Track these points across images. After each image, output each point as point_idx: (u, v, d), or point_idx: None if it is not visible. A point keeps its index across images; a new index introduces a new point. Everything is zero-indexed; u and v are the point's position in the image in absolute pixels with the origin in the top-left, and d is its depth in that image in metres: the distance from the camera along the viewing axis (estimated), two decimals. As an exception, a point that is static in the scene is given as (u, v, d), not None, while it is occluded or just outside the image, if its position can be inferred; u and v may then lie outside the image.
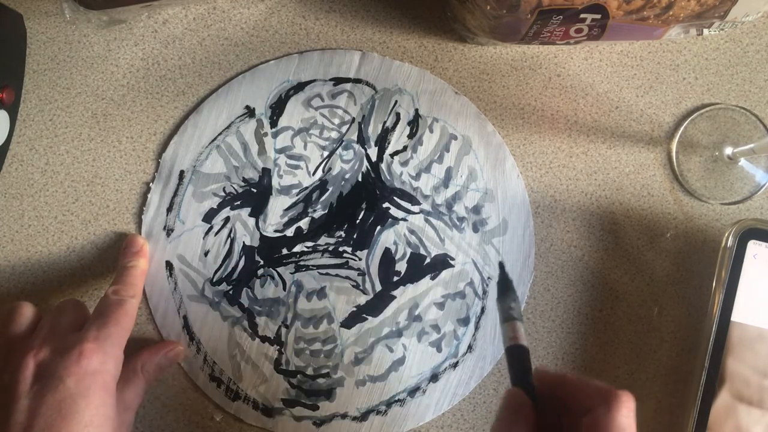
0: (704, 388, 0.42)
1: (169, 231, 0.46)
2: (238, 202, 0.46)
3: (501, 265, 0.38)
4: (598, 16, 0.38)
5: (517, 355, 0.34)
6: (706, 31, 0.41)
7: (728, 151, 0.46)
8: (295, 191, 0.46)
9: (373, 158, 0.46)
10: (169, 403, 0.46)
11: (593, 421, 0.31)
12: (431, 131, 0.47)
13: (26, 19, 0.47)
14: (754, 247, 0.43)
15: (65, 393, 0.35)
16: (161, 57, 0.47)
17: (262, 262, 0.46)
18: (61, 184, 0.47)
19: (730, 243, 0.43)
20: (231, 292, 0.46)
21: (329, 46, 0.47)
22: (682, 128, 0.47)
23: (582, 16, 0.38)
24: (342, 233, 0.46)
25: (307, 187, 0.46)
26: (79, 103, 0.47)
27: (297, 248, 0.46)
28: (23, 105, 0.47)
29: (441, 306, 0.46)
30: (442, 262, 0.46)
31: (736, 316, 0.43)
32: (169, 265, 0.46)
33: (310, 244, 0.46)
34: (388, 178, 0.46)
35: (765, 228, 0.43)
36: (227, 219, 0.46)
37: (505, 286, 0.36)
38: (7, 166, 0.46)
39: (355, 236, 0.46)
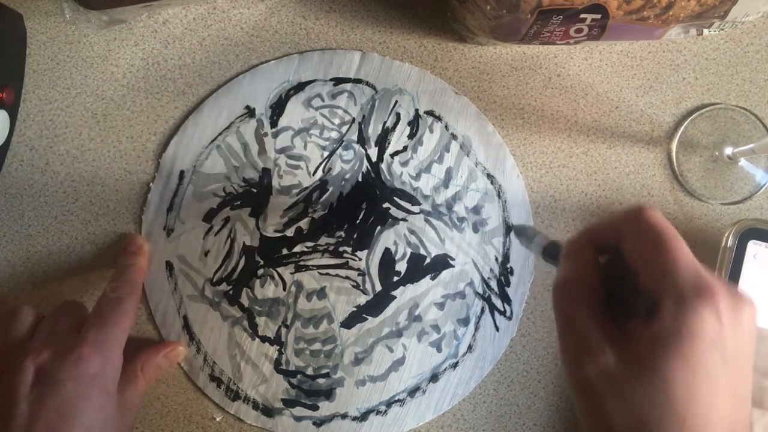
0: (704, 388, 0.42)
1: (169, 231, 0.46)
2: (239, 202, 0.46)
3: (512, 226, 0.43)
4: (598, 16, 0.38)
5: (553, 251, 0.35)
6: (706, 31, 0.41)
7: (728, 151, 0.46)
8: (295, 191, 0.46)
9: (374, 158, 0.46)
10: (169, 403, 0.46)
11: (629, 247, 0.30)
12: (431, 131, 0.47)
13: (26, 19, 0.47)
14: (754, 247, 0.43)
15: (65, 396, 0.35)
16: (161, 57, 0.47)
17: (262, 262, 0.46)
18: (61, 184, 0.47)
19: (730, 243, 0.43)
20: (231, 292, 0.46)
21: (329, 46, 0.47)
22: (682, 128, 0.47)
23: (582, 16, 0.38)
24: (342, 233, 0.46)
25: (307, 188, 0.46)
26: (79, 103, 0.47)
27: (297, 248, 0.46)
28: (23, 105, 0.47)
29: (441, 306, 0.46)
30: (442, 263, 0.46)
31: (736, 316, 0.43)
32: (169, 265, 0.46)
33: (310, 244, 0.46)
34: (389, 178, 0.46)
35: (765, 228, 0.43)
36: (227, 219, 0.46)
37: (519, 229, 0.39)
38: (7, 166, 0.46)
39: (355, 236, 0.46)
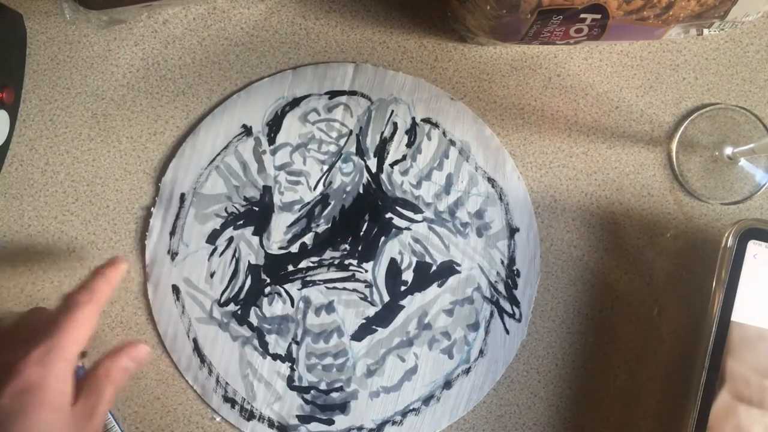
0: (704, 388, 0.42)
1: (173, 255, 0.46)
2: (241, 222, 0.46)
3: None
4: (598, 16, 0.38)
5: None
6: (706, 31, 0.41)
7: (728, 151, 0.46)
8: (297, 207, 0.46)
9: (373, 169, 0.46)
10: (169, 403, 0.46)
11: None
12: (429, 139, 0.47)
13: (26, 19, 0.47)
14: (754, 247, 0.43)
15: (0, 413, 0.34)
16: (161, 57, 0.47)
17: (268, 280, 0.46)
18: (61, 184, 0.47)
19: (730, 243, 0.43)
20: (239, 312, 0.46)
21: (329, 46, 0.47)
22: (682, 128, 0.47)
23: (582, 16, 0.38)
24: (347, 246, 0.46)
25: (309, 203, 0.46)
26: (79, 103, 0.47)
27: (302, 264, 0.46)
28: (23, 105, 0.47)
29: (450, 313, 0.46)
30: (449, 269, 0.46)
31: (736, 316, 0.43)
32: (175, 289, 0.46)
33: (315, 259, 0.46)
34: (389, 188, 0.46)
35: (765, 228, 0.43)
36: (231, 239, 0.46)
37: None
38: (7, 166, 0.46)
39: (360, 248, 0.46)
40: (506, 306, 0.46)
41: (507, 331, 0.46)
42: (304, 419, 0.45)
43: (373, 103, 0.47)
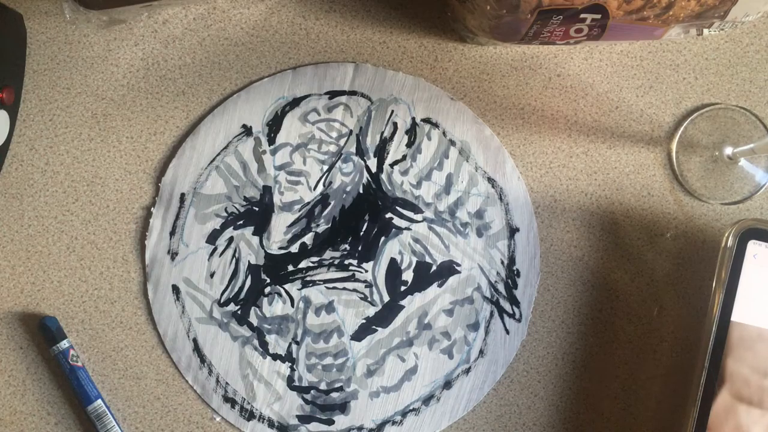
0: (704, 388, 0.42)
1: (173, 255, 0.46)
2: (241, 222, 0.46)
3: None
4: (598, 16, 0.38)
5: None
6: (706, 31, 0.41)
7: (728, 151, 0.46)
8: (297, 207, 0.46)
9: (373, 169, 0.46)
10: (169, 403, 0.46)
11: None
12: (429, 139, 0.47)
13: (26, 19, 0.47)
14: (754, 247, 0.43)
15: None
16: (161, 57, 0.47)
17: (268, 280, 0.46)
18: (61, 184, 0.47)
19: (730, 243, 0.43)
20: (239, 312, 0.46)
21: (329, 46, 0.47)
22: (682, 128, 0.47)
23: (582, 16, 0.38)
24: (347, 246, 0.46)
25: (308, 203, 0.46)
26: (79, 103, 0.47)
27: (302, 264, 0.46)
28: (23, 105, 0.47)
29: (450, 313, 0.46)
30: (449, 269, 0.46)
31: (736, 316, 0.43)
32: (175, 289, 0.46)
33: (315, 259, 0.46)
34: (389, 188, 0.46)
35: (765, 228, 0.43)
36: (231, 239, 0.46)
37: None
38: (7, 166, 0.46)
39: (360, 248, 0.46)
40: (506, 306, 0.46)
41: (507, 331, 0.46)
42: (304, 419, 0.45)
43: (373, 103, 0.47)
